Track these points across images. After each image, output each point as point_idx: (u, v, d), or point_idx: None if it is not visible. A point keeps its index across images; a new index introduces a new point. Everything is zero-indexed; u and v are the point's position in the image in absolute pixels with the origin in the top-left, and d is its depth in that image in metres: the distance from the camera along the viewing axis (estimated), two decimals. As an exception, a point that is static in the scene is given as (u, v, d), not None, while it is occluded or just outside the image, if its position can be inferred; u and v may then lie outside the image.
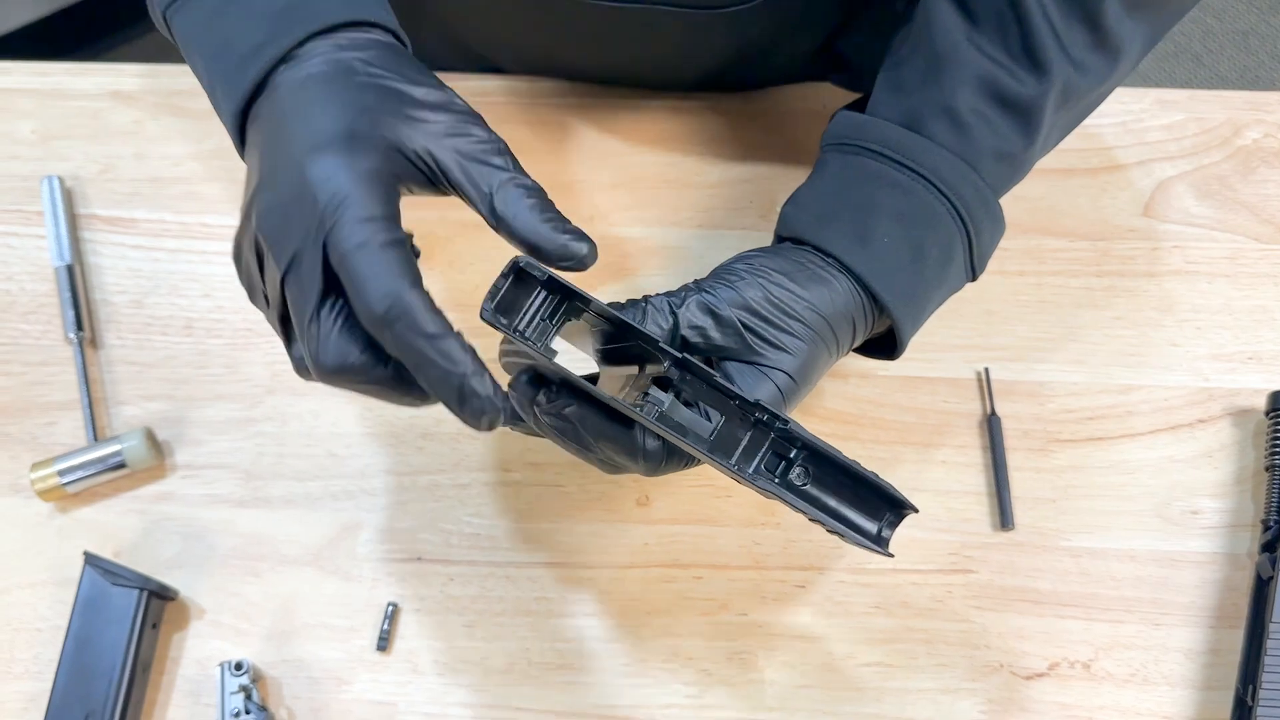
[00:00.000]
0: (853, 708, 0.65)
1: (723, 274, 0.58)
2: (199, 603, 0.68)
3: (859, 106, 0.65)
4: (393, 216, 0.47)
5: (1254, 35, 1.93)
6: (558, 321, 0.50)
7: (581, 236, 0.50)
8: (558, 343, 0.51)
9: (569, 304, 0.50)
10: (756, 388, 0.56)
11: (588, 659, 0.66)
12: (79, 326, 0.74)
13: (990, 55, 0.61)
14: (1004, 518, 0.69)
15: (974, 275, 0.63)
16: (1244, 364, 0.73)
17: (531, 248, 0.50)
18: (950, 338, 0.74)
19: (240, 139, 0.52)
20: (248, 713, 0.63)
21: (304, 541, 0.69)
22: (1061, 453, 0.71)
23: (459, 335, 0.46)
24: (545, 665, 0.66)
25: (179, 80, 0.83)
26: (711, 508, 0.70)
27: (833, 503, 0.51)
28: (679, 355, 0.51)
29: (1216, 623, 0.67)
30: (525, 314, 0.50)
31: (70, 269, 0.76)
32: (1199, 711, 0.65)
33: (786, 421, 0.51)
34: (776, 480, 0.51)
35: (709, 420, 0.52)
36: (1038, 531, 0.69)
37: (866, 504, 0.52)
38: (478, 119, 0.52)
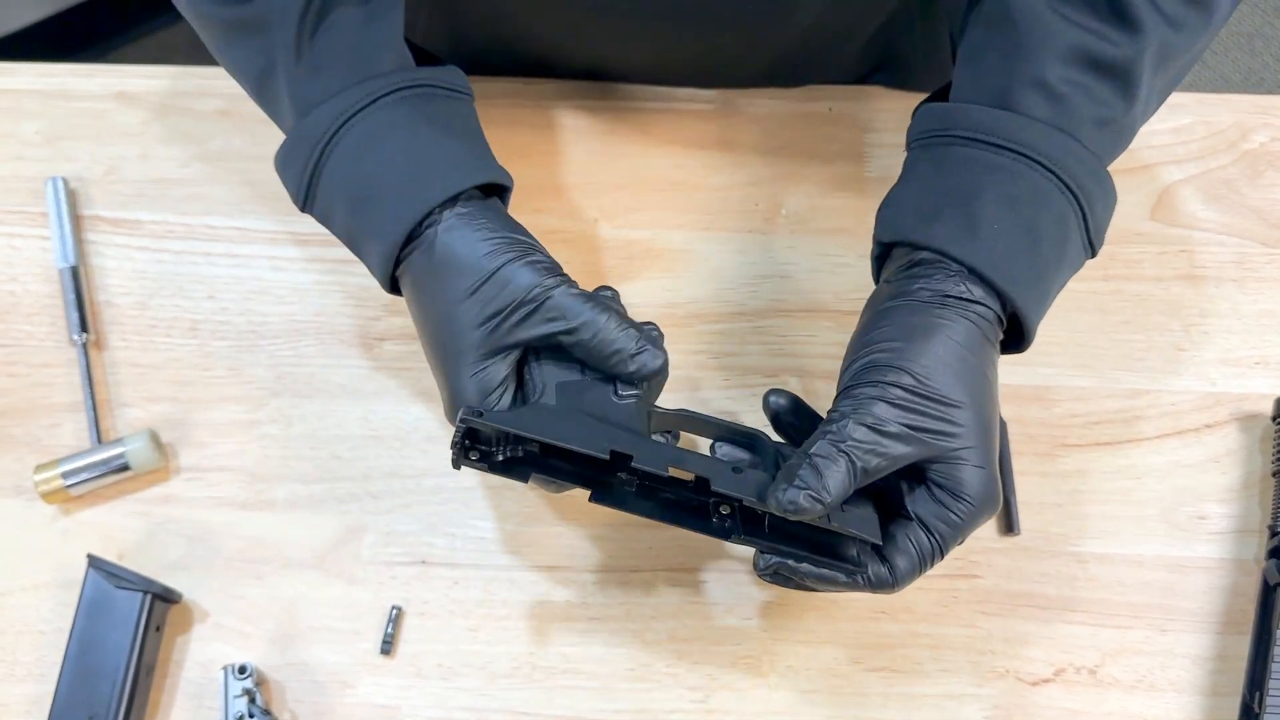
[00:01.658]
0: (858, 713, 0.65)
1: (864, 379, 0.56)
2: (203, 605, 0.68)
3: (940, 100, 0.64)
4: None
5: (1259, 38, 1.93)
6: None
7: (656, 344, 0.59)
8: None
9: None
10: (960, 486, 0.56)
11: (592, 663, 0.66)
12: (83, 328, 0.73)
13: (1077, 22, 0.59)
14: (1010, 523, 0.69)
15: (1093, 250, 0.61)
16: (1251, 369, 0.73)
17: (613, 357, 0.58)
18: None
19: (394, 265, 0.61)
20: (251, 716, 0.63)
21: (308, 544, 0.69)
22: (1068, 457, 0.71)
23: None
24: (549, 669, 0.66)
25: (184, 82, 0.83)
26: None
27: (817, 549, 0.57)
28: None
29: (1223, 629, 0.67)
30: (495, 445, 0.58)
31: (74, 270, 0.75)
32: (1206, 718, 0.65)
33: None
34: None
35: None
36: (1044, 536, 0.69)
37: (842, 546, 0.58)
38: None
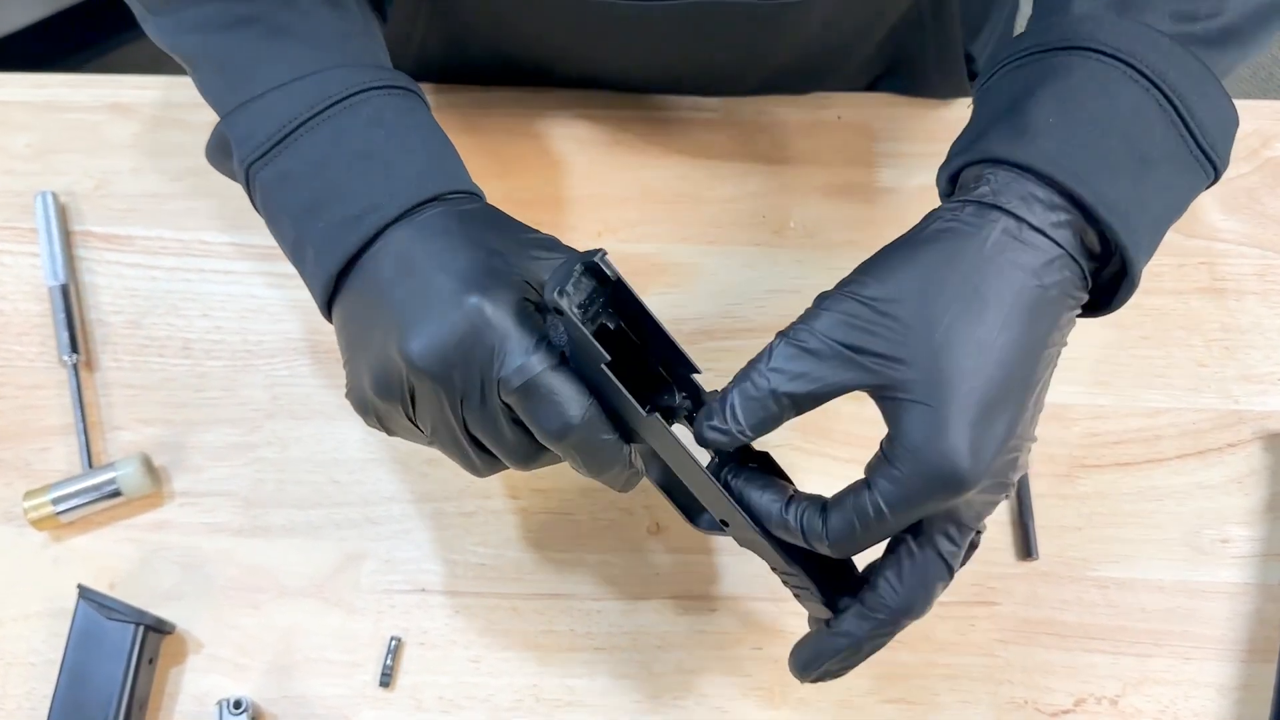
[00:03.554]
0: (872, 745, 0.63)
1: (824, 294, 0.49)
2: (197, 636, 0.66)
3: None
4: (545, 342, 0.50)
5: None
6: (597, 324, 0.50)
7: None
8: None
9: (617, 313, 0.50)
10: (909, 433, 0.46)
11: (598, 695, 0.64)
12: (74, 349, 0.71)
13: None
14: (1028, 547, 0.67)
15: (1209, 158, 0.50)
16: (1275, 385, 0.71)
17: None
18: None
19: (331, 293, 0.54)
20: (247, 753, 0.61)
21: (305, 572, 0.67)
22: (1087, 479, 0.69)
23: (616, 440, 0.51)
24: (554, 702, 0.64)
25: (177, 93, 0.81)
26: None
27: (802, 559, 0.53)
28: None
29: (1248, 657, 0.65)
30: (584, 305, 0.49)
31: (65, 289, 0.73)
32: (1231, 749, 0.63)
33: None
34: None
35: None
36: (1063, 561, 0.67)
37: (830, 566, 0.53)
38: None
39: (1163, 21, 0.50)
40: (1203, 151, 0.50)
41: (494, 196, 0.76)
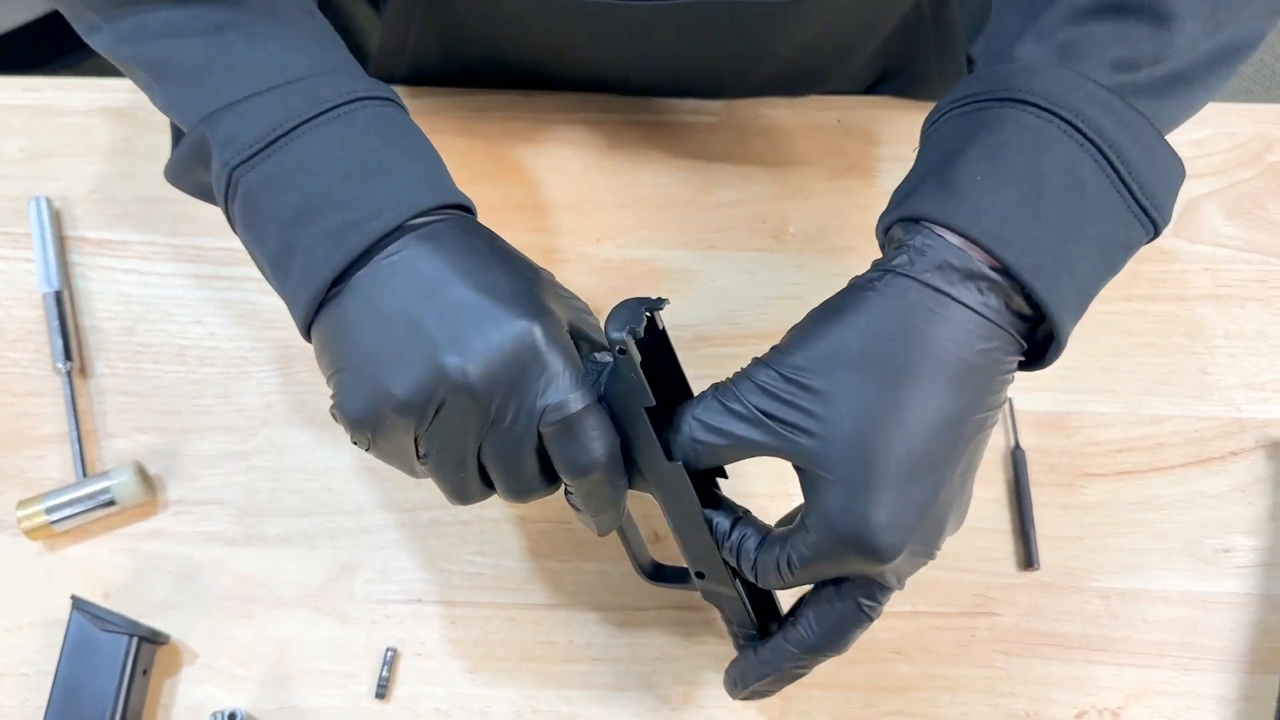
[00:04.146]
0: (872, 757, 0.63)
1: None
2: (191, 646, 0.65)
3: None
4: (585, 380, 0.50)
5: None
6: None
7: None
8: None
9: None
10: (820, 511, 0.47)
11: (596, 706, 0.64)
12: (67, 356, 0.71)
13: None
14: (1029, 557, 0.66)
15: (1147, 214, 0.49)
16: (1278, 393, 0.70)
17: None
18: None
19: (319, 302, 0.51)
20: (241, 766, 0.60)
21: (300, 582, 0.67)
22: (1089, 488, 0.68)
23: (625, 483, 0.52)
24: (551, 713, 0.63)
25: (171, 96, 0.80)
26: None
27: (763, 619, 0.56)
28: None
29: (1251, 668, 0.64)
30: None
31: (59, 295, 0.73)
32: (1234, 762, 0.62)
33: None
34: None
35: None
36: (1065, 571, 0.66)
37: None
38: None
39: (1103, 72, 0.49)
40: (1140, 207, 0.49)
41: (491, 200, 0.76)
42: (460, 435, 0.50)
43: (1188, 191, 0.76)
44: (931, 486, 0.47)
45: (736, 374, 0.50)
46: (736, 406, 0.49)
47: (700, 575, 0.54)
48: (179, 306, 0.74)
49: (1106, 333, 0.72)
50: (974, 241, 0.46)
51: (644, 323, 0.49)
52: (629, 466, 0.52)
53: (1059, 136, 0.48)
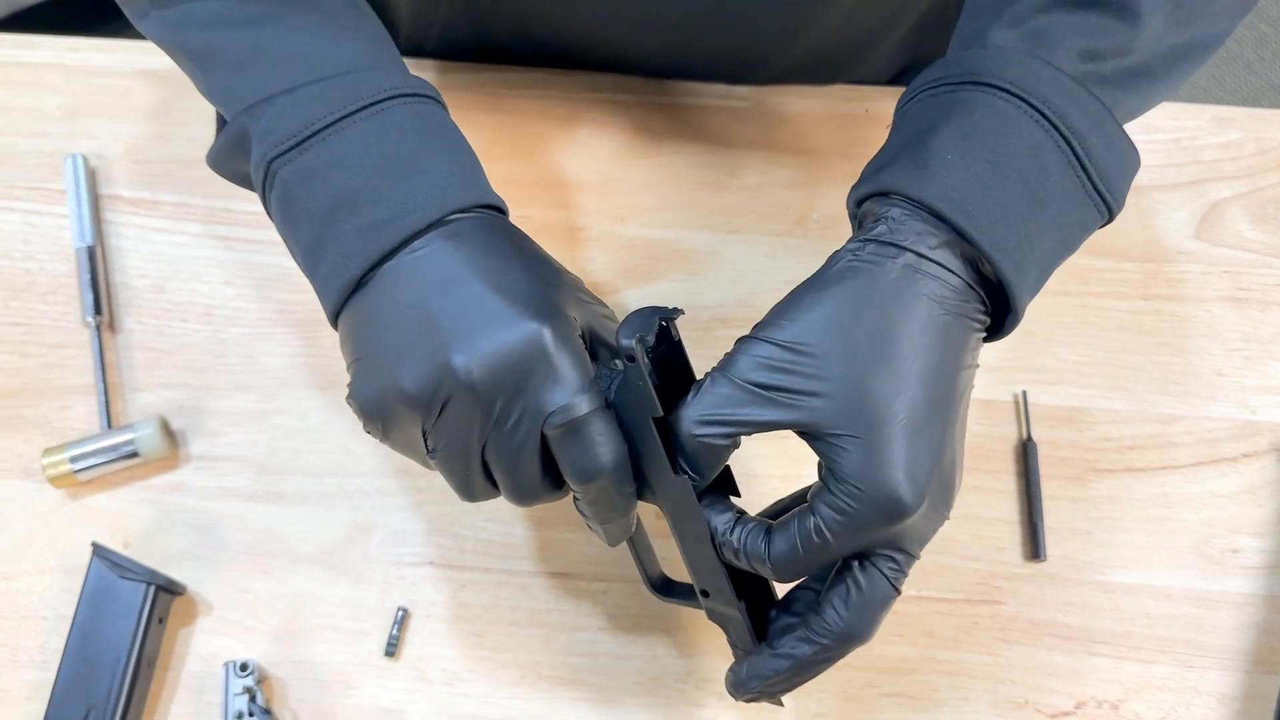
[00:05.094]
0: (870, 738, 0.63)
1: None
2: (207, 598, 0.67)
3: None
4: (593, 381, 0.50)
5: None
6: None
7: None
8: None
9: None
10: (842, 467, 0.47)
11: (600, 675, 0.65)
12: (97, 310, 0.72)
13: None
14: (1036, 548, 0.67)
15: (1105, 202, 0.52)
16: (1293, 398, 0.71)
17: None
18: (987, 359, 0.70)
19: (346, 295, 0.52)
20: (251, 715, 0.62)
21: (316, 540, 0.68)
22: (1099, 483, 0.69)
23: (633, 493, 0.52)
24: (556, 679, 0.65)
25: (209, 60, 0.81)
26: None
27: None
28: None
29: (1252, 668, 0.64)
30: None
31: (91, 250, 0.74)
32: (1230, 759, 0.63)
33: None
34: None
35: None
36: (1071, 564, 0.67)
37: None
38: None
39: (1070, 61, 0.51)
40: (1098, 192, 0.51)
41: (518, 177, 0.77)
42: (465, 433, 0.50)
43: (1214, 194, 0.76)
44: (937, 439, 0.48)
45: (725, 358, 0.49)
46: (734, 390, 0.48)
47: (705, 594, 0.54)
48: (209, 267, 0.75)
49: (1123, 330, 0.72)
50: (941, 215, 0.49)
51: (655, 331, 0.49)
52: (638, 477, 0.51)
53: (1026, 121, 0.50)
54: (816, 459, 0.49)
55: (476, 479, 0.52)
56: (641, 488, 0.52)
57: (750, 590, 0.54)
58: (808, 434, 0.48)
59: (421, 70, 0.80)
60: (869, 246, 0.49)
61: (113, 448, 0.68)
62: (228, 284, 0.75)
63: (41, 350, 0.73)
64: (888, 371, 0.47)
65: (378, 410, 0.51)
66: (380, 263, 0.51)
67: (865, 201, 0.53)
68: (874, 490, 0.47)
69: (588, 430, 0.49)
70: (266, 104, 0.54)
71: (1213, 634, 0.65)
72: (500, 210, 0.56)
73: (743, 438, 0.50)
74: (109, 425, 0.70)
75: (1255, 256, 0.75)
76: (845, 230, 0.76)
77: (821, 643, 0.50)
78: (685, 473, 0.50)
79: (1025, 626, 0.65)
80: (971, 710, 0.64)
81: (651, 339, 0.49)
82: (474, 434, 0.50)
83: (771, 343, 0.48)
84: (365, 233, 0.52)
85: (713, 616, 0.55)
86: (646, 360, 0.49)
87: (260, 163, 0.54)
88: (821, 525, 0.48)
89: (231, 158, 0.57)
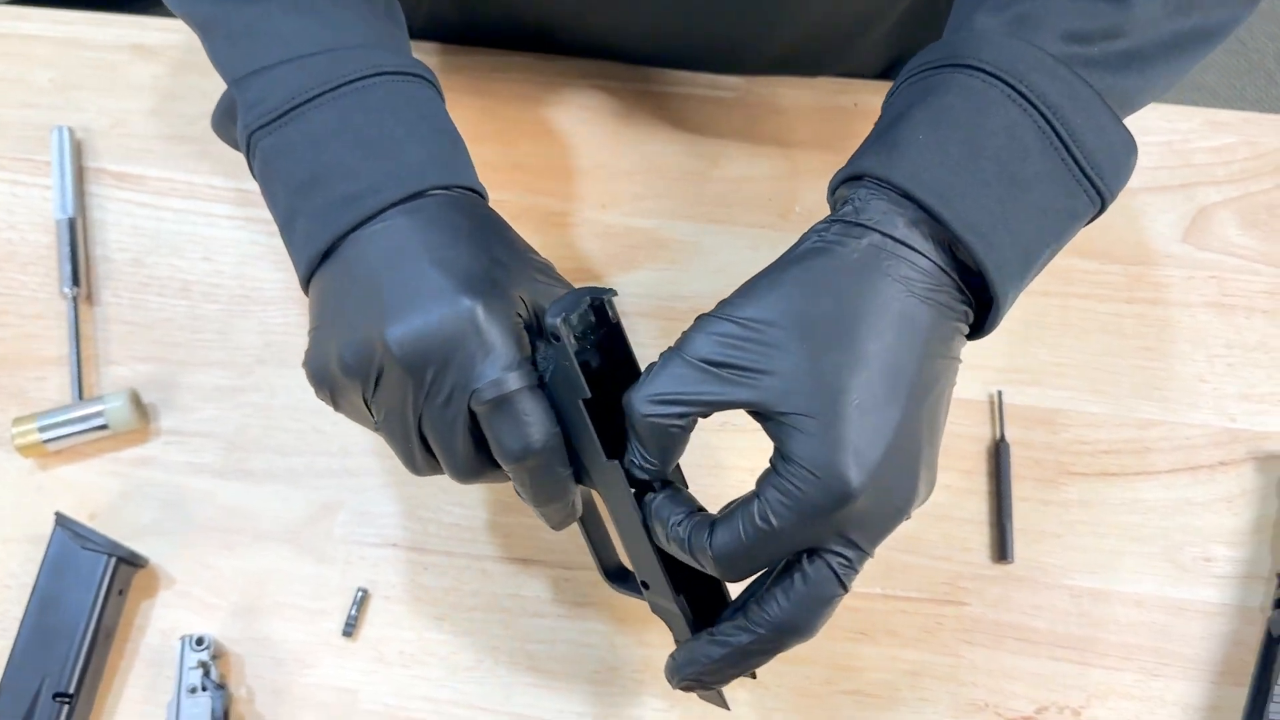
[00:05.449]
0: (827, 735, 0.63)
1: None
2: (170, 572, 0.67)
3: None
4: (528, 362, 0.50)
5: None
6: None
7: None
8: None
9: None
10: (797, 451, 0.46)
11: (556, 662, 0.64)
12: (75, 281, 0.72)
13: None
14: (1004, 550, 0.66)
15: (1093, 184, 0.49)
16: (1275, 407, 0.69)
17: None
18: (964, 357, 0.70)
19: (313, 267, 0.53)
20: (204, 689, 0.61)
21: (281, 518, 0.68)
22: (1072, 486, 0.68)
23: (569, 475, 0.51)
24: (513, 665, 0.64)
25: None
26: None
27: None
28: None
29: (1219, 679, 0.63)
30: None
31: (72, 222, 0.74)
32: (1193, 770, 0.62)
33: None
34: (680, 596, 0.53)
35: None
36: (1039, 567, 0.66)
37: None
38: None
39: (1053, 42, 0.50)
40: (1086, 177, 0.49)
41: (501, 161, 0.77)
42: (400, 405, 0.50)
43: (1203, 198, 0.75)
44: (892, 421, 0.46)
45: (681, 336, 0.48)
46: (687, 368, 0.47)
47: (645, 585, 0.53)
48: (189, 243, 0.75)
49: (1104, 333, 0.71)
50: (910, 196, 0.47)
51: (580, 310, 0.49)
52: (575, 461, 0.51)
53: (1002, 100, 0.49)
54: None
55: (417, 452, 0.52)
56: (581, 473, 0.51)
57: (696, 588, 0.53)
58: (761, 415, 0.47)
59: (409, 52, 0.79)
60: (834, 227, 0.49)
61: (82, 418, 0.68)
62: (206, 260, 0.75)
63: (20, 321, 0.73)
64: (844, 351, 0.46)
65: (324, 379, 0.52)
66: (345, 236, 0.52)
67: (839, 188, 0.52)
68: (821, 470, 0.45)
69: (516, 407, 0.49)
70: (255, 76, 0.55)
71: (1181, 643, 0.64)
72: (476, 192, 0.56)
73: (700, 420, 0.49)
74: (80, 397, 0.70)
75: (1242, 262, 0.73)
76: (828, 224, 0.76)
77: (758, 632, 0.48)
78: (619, 458, 0.49)
79: (990, 628, 0.65)
80: (931, 711, 0.63)
81: (576, 318, 0.49)
82: (409, 406, 0.50)
83: (728, 319, 0.47)
84: (333, 207, 0.52)
85: (656, 610, 0.54)
86: (573, 340, 0.48)
87: (244, 134, 0.55)
88: (767, 510, 0.46)
89: (226, 125, 0.58)
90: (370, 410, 0.52)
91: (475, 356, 0.49)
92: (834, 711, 0.63)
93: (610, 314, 0.50)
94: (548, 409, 0.50)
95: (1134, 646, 0.64)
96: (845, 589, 0.48)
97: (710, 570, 0.49)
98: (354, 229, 0.52)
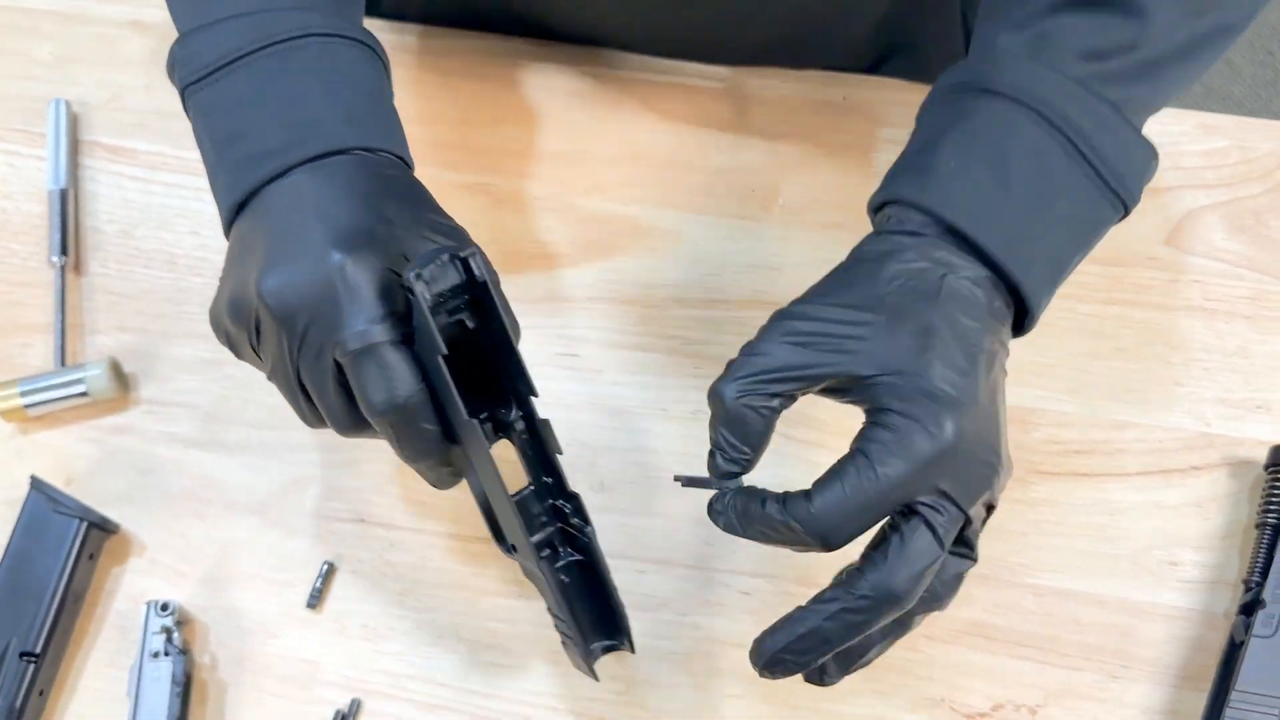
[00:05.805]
0: (782, 724, 0.63)
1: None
2: (141, 539, 0.68)
3: None
4: (395, 317, 0.51)
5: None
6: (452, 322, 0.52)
7: None
8: None
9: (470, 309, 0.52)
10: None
11: (517, 641, 0.65)
12: (63, 251, 0.74)
13: None
14: (968, 546, 0.66)
15: (1115, 192, 0.54)
16: (1251, 412, 0.69)
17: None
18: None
19: (230, 220, 0.56)
20: (166, 654, 0.62)
21: (253, 489, 0.69)
22: (1040, 485, 0.67)
23: (436, 432, 0.52)
24: (473, 643, 0.65)
25: (196, 15, 0.82)
26: (663, 501, 0.67)
27: (577, 608, 0.55)
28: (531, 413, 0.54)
29: (1180, 683, 0.63)
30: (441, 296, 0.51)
31: (63, 193, 0.76)
32: (1148, 774, 0.62)
33: (586, 525, 0.55)
34: (543, 560, 0.54)
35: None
36: (1003, 565, 0.66)
37: (604, 623, 0.57)
38: (481, 254, 0.53)
39: (1071, 63, 0.53)
40: (1107, 185, 0.53)
41: (488, 145, 0.77)
42: (279, 355, 0.52)
43: (1190, 201, 0.75)
44: (974, 380, 0.49)
45: (759, 330, 0.51)
46: (771, 348, 0.50)
47: (513, 549, 0.54)
48: (177, 216, 0.76)
49: (1082, 334, 0.71)
50: (944, 220, 0.52)
51: (436, 265, 0.49)
52: (448, 422, 0.52)
53: (1025, 124, 0.52)
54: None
55: (302, 403, 0.54)
56: (455, 434, 0.52)
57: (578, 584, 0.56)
58: (845, 391, 0.50)
59: (402, 35, 0.80)
60: (896, 238, 0.52)
61: (62, 385, 0.69)
62: (194, 234, 0.76)
63: (8, 288, 0.74)
64: (918, 319, 0.50)
65: (218, 327, 0.55)
66: (257, 192, 0.54)
67: (883, 208, 0.56)
68: (920, 414, 0.48)
69: (378, 360, 0.50)
70: (195, 33, 0.57)
71: (1143, 645, 0.64)
72: (399, 156, 0.57)
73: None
74: (63, 363, 0.71)
75: (1226, 267, 0.73)
76: (810, 217, 0.76)
77: (858, 595, 0.48)
78: (481, 416, 0.51)
79: (949, 624, 0.64)
80: (886, 705, 0.63)
81: (429, 273, 0.49)
82: (286, 357, 0.52)
83: (798, 316, 0.51)
84: (247, 163, 0.54)
85: (527, 574, 0.56)
86: (428, 296, 0.49)
87: (180, 88, 0.57)
88: (870, 461, 0.48)
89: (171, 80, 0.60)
90: (260, 358, 0.54)
91: (343, 309, 0.50)
92: (790, 699, 0.63)
93: (476, 272, 0.51)
94: (412, 364, 0.51)
95: (1095, 647, 0.64)
96: (943, 548, 0.49)
97: (808, 541, 0.49)
98: (264, 185, 0.53)
